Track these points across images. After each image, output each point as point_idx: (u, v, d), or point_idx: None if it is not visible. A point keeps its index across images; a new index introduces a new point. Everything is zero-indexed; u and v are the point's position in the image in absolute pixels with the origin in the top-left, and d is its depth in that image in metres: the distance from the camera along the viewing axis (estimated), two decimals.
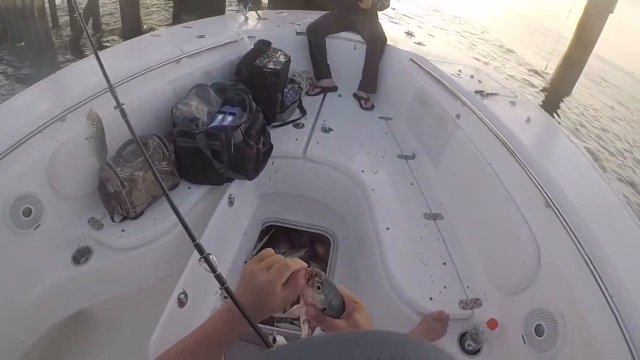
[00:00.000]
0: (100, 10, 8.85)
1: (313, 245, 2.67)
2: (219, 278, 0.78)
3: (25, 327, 1.73)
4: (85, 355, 1.97)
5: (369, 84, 3.27)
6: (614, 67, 14.09)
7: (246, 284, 0.73)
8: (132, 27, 8.19)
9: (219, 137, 2.03)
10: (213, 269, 0.79)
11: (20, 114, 1.81)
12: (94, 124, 1.54)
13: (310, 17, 3.56)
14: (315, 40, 3.28)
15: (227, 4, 8.77)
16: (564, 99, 9.00)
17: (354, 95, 3.35)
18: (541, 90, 9.24)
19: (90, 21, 8.38)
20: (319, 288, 0.72)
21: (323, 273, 0.74)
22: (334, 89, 3.41)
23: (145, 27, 8.88)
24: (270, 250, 0.79)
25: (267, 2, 7.53)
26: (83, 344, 2.00)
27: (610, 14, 7.22)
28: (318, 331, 0.75)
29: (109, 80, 1.46)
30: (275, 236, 2.66)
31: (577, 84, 9.20)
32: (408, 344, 0.35)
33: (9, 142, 1.61)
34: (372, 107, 3.23)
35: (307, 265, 0.76)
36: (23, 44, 7.34)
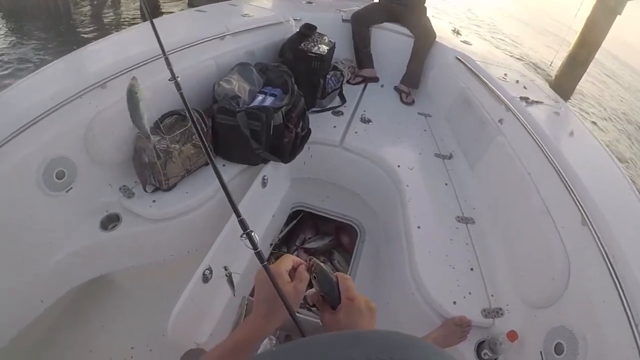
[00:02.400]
0: None
1: (338, 235, 2.60)
2: (259, 255, 0.79)
3: (47, 287, 1.71)
4: (104, 319, 1.96)
5: (413, 79, 3.13)
6: (622, 63, 14.26)
7: (275, 298, 0.74)
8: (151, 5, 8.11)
9: (259, 117, 1.95)
10: (254, 246, 0.81)
11: (59, 79, 1.78)
12: (135, 92, 1.49)
13: (356, 4, 3.45)
14: (359, 29, 3.16)
15: None
16: (567, 98, 8.87)
17: (395, 88, 3.22)
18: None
19: None
20: (314, 277, 0.78)
21: (321, 265, 0.78)
22: (375, 79, 3.28)
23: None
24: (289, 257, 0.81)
25: None
26: (102, 309, 1.99)
27: (618, 15, 6.98)
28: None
29: (165, 51, 1.39)
30: (303, 221, 2.60)
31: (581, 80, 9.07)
32: (407, 344, 0.35)
33: (48, 105, 1.59)
34: (413, 102, 3.09)
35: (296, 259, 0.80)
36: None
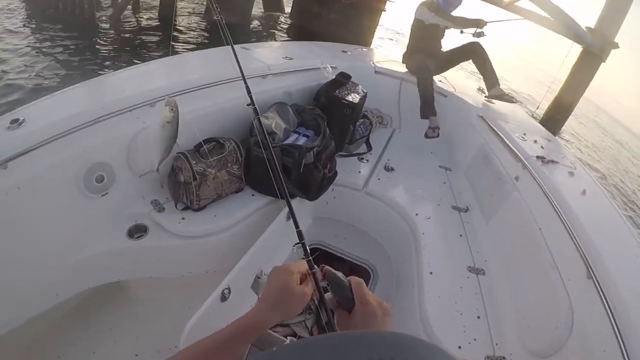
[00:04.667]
0: None
1: (350, 276, 2.61)
2: (310, 263, 0.84)
3: (64, 282, 1.74)
4: (113, 323, 1.97)
5: (492, 78, 3.38)
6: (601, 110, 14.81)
7: (281, 293, 0.77)
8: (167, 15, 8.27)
9: (292, 155, 2.02)
10: (307, 254, 0.87)
11: (113, 91, 1.90)
12: (172, 111, 1.57)
13: (390, 58, 3.63)
14: (429, 80, 3.29)
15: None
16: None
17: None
18: None
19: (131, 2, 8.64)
20: (327, 284, 0.81)
21: (332, 271, 0.82)
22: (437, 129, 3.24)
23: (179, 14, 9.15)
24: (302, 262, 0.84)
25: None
26: (113, 313, 2.00)
27: (603, 63, 7.06)
28: None
29: (245, 77, 1.56)
30: (318, 258, 2.62)
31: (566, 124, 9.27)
32: (409, 344, 0.34)
33: (99, 112, 1.69)
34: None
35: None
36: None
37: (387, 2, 6.57)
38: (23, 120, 1.57)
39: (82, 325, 1.92)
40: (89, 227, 1.81)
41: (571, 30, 6.12)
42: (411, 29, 3.62)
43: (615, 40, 6.55)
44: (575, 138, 11.10)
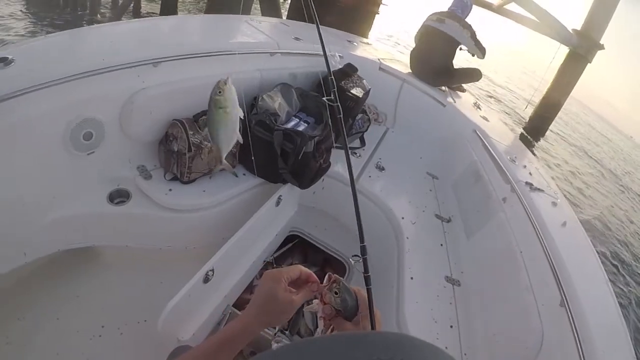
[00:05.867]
0: None
1: (324, 268, 2.59)
2: (367, 279, 0.87)
3: (35, 241, 1.64)
4: (81, 290, 1.85)
5: None
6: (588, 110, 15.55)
7: (266, 300, 0.79)
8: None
9: (294, 140, 1.95)
10: (366, 270, 0.90)
11: (116, 43, 1.76)
12: (220, 94, 1.10)
13: (394, 57, 3.58)
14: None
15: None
16: (539, 138, 9.73)
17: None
18: (521, 127, 9.89)
19: None
20: (336, 293, 0.82)
21: (342, 280, 0.83)
22: None
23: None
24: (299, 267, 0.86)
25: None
26: (82, 279, 1.88)
27: (589, 64, 7.40)
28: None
29: (327, 54, 1.48)
30: (295, 246, 2.59)
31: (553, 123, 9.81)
32: (408, 344, 0.35)
33: (97, 65, 1.56)
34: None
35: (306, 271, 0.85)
36: None
37: (381, 5, 6.59)
38: (12, 59, 1.44)
39: (49, 289, 1.79)
40: (68, 186, 1.69)
41: (558, 32, 6.30)
42: (433, 44, 3.45)
43: (601, 42, 6.75)
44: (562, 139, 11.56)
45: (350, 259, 0.94)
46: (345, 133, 2.41)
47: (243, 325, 0.77)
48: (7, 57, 1.43)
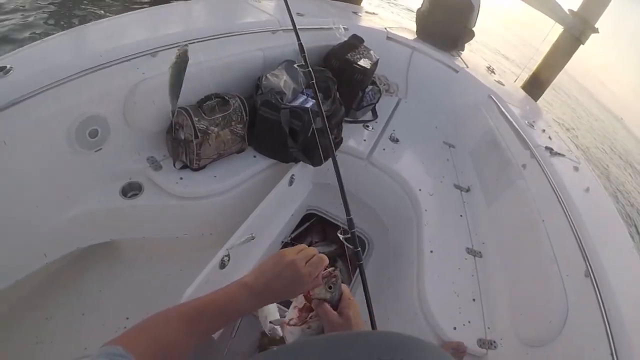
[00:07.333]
0: None
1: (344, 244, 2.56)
2: (358, 254, 0.87)
3: (53, 241, 1.63)
4: (103, 284, 1.87)
5: None
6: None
7: (282, 270, 0.74)
8: None
9: (302, 118, 1.88)
10: (355, 245, 0.90)
11: (112, 38, 1.69)
12: (179, 59, 1.40)
13: (402, 25, 3.44)
14: None
15: None
16: None
17: None
18: None
19: None
20: (330, 288, 0.79)
21: (339, 276, 0.82)
22: None
23: None
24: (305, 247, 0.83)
25: None
26: (103, 274, 1.90)
27: (582, 45, 7.22)
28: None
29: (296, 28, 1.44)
30: (313, 225, 2.55)
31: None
32: (409, 344, 0.34)
33: (95, 62, 1.51)
34: None
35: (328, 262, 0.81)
36: None
37: None
38: (10, 68, 1.39)
39: (72, 286, 1.81)
40: (79, 185, 1.67)
41: (553, 11, 6.08)
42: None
43: (597, 26, 6.53)
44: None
45: (339, 234, 0.89)
46: (339, 101, 2.36)
47: (236, 299, 0.73)
48: (6, 66, 1.39)
